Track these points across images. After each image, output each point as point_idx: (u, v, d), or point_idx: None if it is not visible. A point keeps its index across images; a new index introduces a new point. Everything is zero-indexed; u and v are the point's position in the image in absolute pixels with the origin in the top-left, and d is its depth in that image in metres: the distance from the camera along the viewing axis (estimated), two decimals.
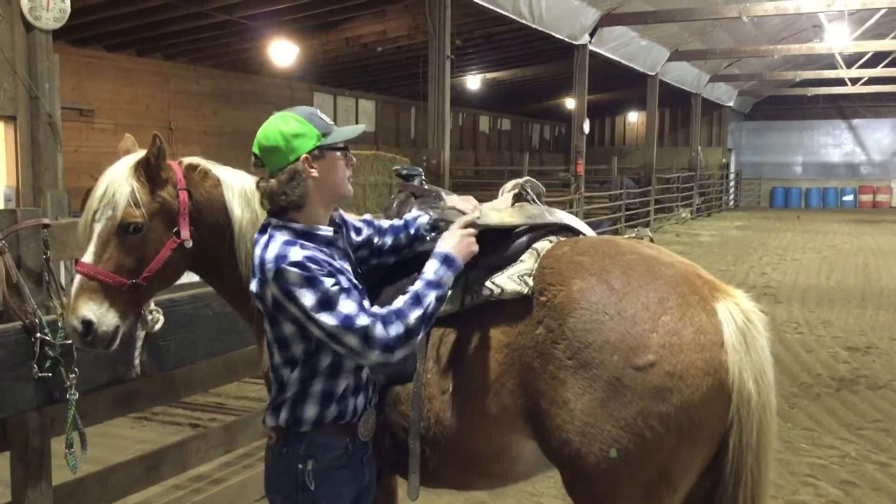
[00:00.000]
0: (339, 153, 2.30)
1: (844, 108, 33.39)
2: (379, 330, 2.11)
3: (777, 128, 34.68)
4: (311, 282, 2.11)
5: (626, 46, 19.04)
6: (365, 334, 2.10)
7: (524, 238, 2.48)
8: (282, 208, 2.27)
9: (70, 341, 3.21)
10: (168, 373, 4.00)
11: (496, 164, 28.24)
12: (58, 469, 3.39)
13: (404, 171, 2.91)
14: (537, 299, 2.32)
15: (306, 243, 2.20)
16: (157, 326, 3.55)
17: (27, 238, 3.28)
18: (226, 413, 6.20)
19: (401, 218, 2.70)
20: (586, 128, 17.38)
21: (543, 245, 2.47)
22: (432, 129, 11.50)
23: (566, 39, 15.81)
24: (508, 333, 2.34)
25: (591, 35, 16.60)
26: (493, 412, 2.33)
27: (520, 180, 2.80)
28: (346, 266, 2.27)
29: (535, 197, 2.70)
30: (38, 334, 3.11)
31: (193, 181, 2.71)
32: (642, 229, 24.91)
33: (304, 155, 2.23)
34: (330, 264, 2.17)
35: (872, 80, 26.93)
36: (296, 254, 2.15)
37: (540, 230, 2.50)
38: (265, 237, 2.25)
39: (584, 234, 2.62)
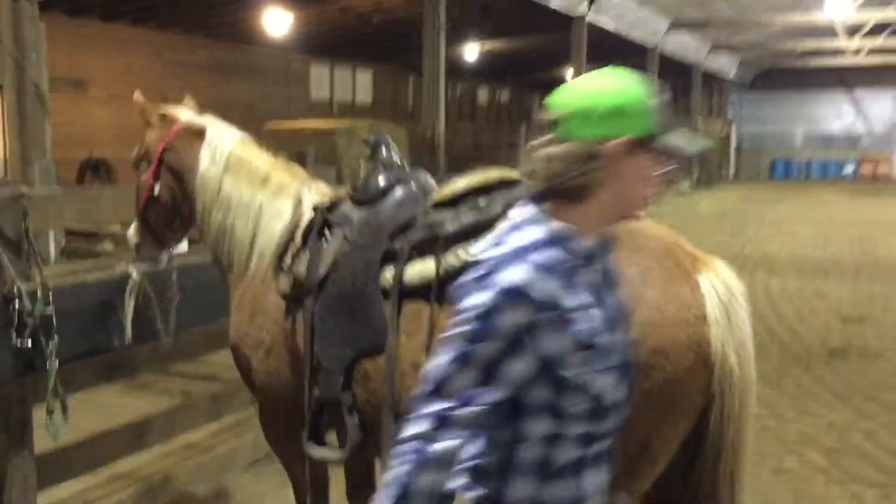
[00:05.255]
0: (659, 161, 1.66)
1: (846, 79, 33.16)
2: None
3: (778, 99, 34.48)
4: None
5: (624, 16, 18.89)
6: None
7: (497, 205, 2.44)
8: (548, 191, 1.64)
9: (49, 311, 3.24)
10: (154, 342, 4.01)
11: (495, 136, 28.10)
12: (42, 440, 3.41)
13: (371, 141, 2.87)
14: None
15: (555, 257, 1.59)
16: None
17: (5, 208, 3.26)
18: (217, 383, 6.22)
19: (368, 189, 2.69)
20: None
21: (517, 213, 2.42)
22: (427, 101, 11.44)
23: (562, 11, 15.67)
24: None
25: (590, 4, 16.45)
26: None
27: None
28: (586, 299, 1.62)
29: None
30: (17, 303, 3.13)
31: (181, 137, 3.12)
32: (682, 183, 24.92)
33: (626, 138, 1.59)
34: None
35: (874, 51, 26.72)
36: (521, 273, 1.54)
37: (512, 197, 2.46)
38: (514, 222, 1.67)
39: None
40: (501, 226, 1.69)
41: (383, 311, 2.43)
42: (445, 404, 1.54)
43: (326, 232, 2.68)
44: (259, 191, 3.02)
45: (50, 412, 3.24)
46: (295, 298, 2.64)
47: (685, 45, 24.74)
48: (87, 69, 14.77)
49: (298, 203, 2.87)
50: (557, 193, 1.63)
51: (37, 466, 3.42)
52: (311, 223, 2.74)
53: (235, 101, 17.27)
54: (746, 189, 28.20)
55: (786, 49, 28.06)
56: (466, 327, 1.54)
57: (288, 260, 2.73)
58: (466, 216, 2.43)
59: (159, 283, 3.83)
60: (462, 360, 1.54)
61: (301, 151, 9.21)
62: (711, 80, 30.60)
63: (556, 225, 1.62)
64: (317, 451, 2.61)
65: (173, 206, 3.15)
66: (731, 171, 33.83)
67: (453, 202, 2.50)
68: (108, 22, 14.98)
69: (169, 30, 16.17)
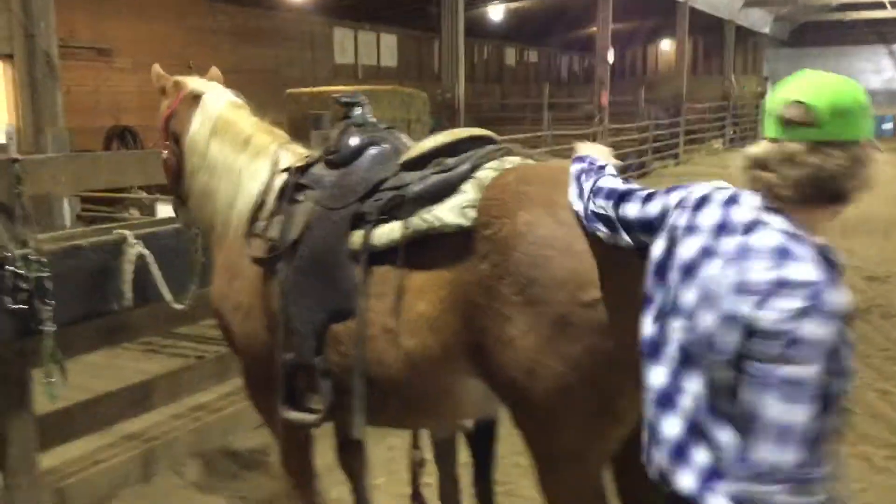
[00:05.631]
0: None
1: (885, 33, 32.22)
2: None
3: (815, 54, 33.62)
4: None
5: None
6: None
7: (465, 166, 2.39)
8: (809, 197, 1.62)
9: (45, 274, 3.30)
10: (154, 305, 4.05)
11: (524, 98, 27.83)
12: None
13: (344, 100, 2.83)
14: (481, 233, 2.22)
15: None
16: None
17: None
18: (224, 345, 6.29)
19: (340, 150, 2.66)
20: (610, 58, 17.02)
21: (486, 174, 2.36)
22: (447, 62, 11.32)
23: None
24: (451, 269, 2.26)
25: None
26: (436, 351, 2.28)
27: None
28: None
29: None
30: (10, 267, 3.18)
31: (182, 103, 3.16)
32: (714, 141, 24.57)
33: (868, 139, 1.63)
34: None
35: None
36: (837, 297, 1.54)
37: (481, 157, 2.41)
38: (765, 234, 1.62)
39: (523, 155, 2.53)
40: (767, 244, 1.60)
41: (353, 274, 2.41)
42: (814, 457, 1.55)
43: (299, 194, 2.66)
44: (241, 153, 3.02)
45: (47, 375, 3.31)
46: (268, 262, 2.64)
47: (717, 0, 24.18)
48: (112, 37, 14.83)
49: (275, 165, 2.86)
50: (817, 198, 1.62)
51: (39, 427, 3.49)
52: (283, 185, 2.72)
53: (259, 66, 17.31)
54: None
55: (822, 2, 27.31)
56: (812, 367, 1.52)
57: (261, 223, 2.72)
58: (433, 177, 2.39)
59: (157, 246, 3.86)
60: (813, 401, 1.54)
61: (318, 115, 9.19)
62: (746, 36, 29.91)
63: (817, 239, 1.65)
64: (291, 415, 2.62)
65: (179, 172, 3.19)
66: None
67: (422, 162, 2.46)
68: None
69: None
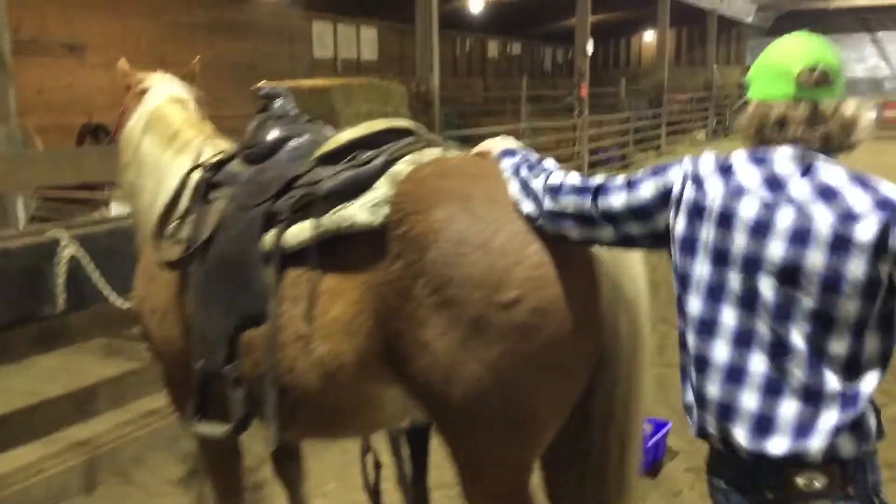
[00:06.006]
0: None
1: (868, 21, 32.22)
2: None
3: None
4: None
5: None
6: None
7: (379, 160, 2.26)
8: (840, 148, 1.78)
9: None
10: (96, 307, 3.92)
11: (506, 90, 27.66)
12: None
13: (264, 92, 2.71)
14: (394, 231, 2.10)
15: None
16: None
17: None
18: None
19: (257, 144, 2.53)
20: (589, 49, 16.89)
21: (401, 168, 2.24)
22: (421, 54, 11.16)
23: None
24: (365, 270, 2.14)
25: None
26: (350, 357, 2.16)
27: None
28: None
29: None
30: None
31: (133, 99, 3.16)
32: (697, 132, 24.47)
33: None
34: None
35: None
36: None
37: (397, 150, 2.29)
38: (830, 172, 1.71)
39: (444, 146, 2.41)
40: (842, 178, 1.68)
41: (265, 277, 2.29)
42: None
43: (212, 192, 2.53)
44: (167, 149, 2.91)
45: None
46: (179, 264, 2.51)
47: None
48: (85, 34, 14.60)
49: (196, 161, 2.73)
50: (837, 150, 1.78)
51: None
52: (197, 183, 2.59)
53: (236, 61, 17.10)
54: None
55: None
56: None
57: (173, 223, 2.59)
58: (345, 172, 2.27)
59: (96, 246, 3.74)
60: None
61: None
62: (729, 26, 29.82)
63: None
64: (201, 427, 2.49)
65: None
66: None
67: (337, 156, 2.34)
68: None
69: None
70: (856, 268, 1.61)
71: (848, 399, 1.63)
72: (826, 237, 1.63)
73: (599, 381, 2.10)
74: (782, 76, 1.78)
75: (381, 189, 2.19)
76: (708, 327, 1.76)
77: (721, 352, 1.74)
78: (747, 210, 1.71)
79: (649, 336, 2.19)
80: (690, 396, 1.82)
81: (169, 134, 2.95)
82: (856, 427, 1.65)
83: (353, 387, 2.19)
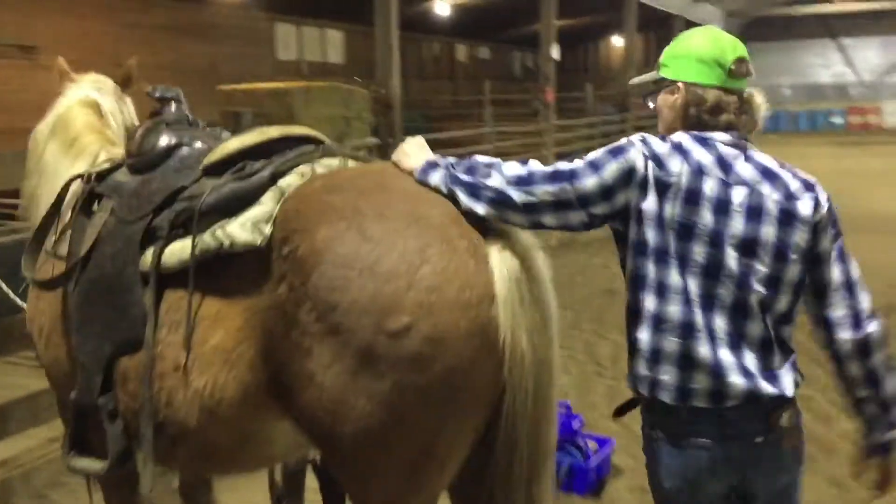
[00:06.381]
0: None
1: (833, 27, 32.50)
2: None
3: (765, 50, 33.70)
4: None
5: None
6: None
7: (266, 172, 2.06)
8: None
9: None
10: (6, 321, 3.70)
11: (476, 94, 27.51)
12: None
13: (157, 94, 2.51)
14: (278, 251, 1.92)
15: None
16: None
17: None
18: None
19: (143, 152, 2.34)
20: (555, 54, 16.80)
21: (291, 181, 2.05)
22: (381, 57, 10.97)
23: None
24: (247, 293, 1.95)
25: None
26: (232, 390, 1.97)
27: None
28: None
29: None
30: None
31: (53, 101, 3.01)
32: None
33: None
34: None
35: None
36: None
37: (288, 161, 2.09)
38: (762, 157, 2.04)
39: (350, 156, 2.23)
40: (773, 162, 2.01)
41: (142, 299, 2.09)
42: None
43: (95, 204, 2.33)
44: (65, 156, 2.71)
45: None
46: (54, 283, 2.30)
47: None
48: (38, 34, 14.23)
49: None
50: (751, 131, 2.07)
51: None
52: (79, 194, 2.39)
53: (197, 63, 16.80)
54: None
55: None
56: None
57: (51, 237, 2.38)
58: (228, 185, 2.07)
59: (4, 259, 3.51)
60: None
61: (237, 112, 8.82)
62: None
63: None
64: (76, 462, 2.28)
65: None
66: None
67: (224, 167, 2.15)
68: None
69: None
70: (799, 238, 1.95)
71: (788, 346, 1.99)
72: (776, 213, 1.94)
73: (503, 412, 1.92)
74: (714, 64, 2.01)
75: (266, 205, 2.00)
76: (665, 290, 1.93)
77: (689, 314, 1.94)
78: (710, 188, 1.93)
79: (557, 360, 2.00)
80: (643, 368, 1.99)
81: (68, 140, 2.75)
82: (795, 367, 1.99)
83: (236, 422, 2.00)
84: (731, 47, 2.02)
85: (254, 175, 2.05)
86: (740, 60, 2.00)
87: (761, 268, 1.92)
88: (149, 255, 2.09)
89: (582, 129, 19.33)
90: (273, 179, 2.05)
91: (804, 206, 1.95)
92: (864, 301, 2.00)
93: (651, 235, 1.93)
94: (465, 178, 1.96)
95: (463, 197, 1.94)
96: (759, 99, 2.04)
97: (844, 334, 1.97)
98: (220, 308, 1.98)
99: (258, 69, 18.38)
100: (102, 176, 2.38)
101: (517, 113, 19.43)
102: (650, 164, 1.94)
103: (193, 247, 2.00)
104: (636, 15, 22.07)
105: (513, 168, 1.99)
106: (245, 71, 17.15)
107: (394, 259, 1.81)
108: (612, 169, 1.94)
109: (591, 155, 2.02)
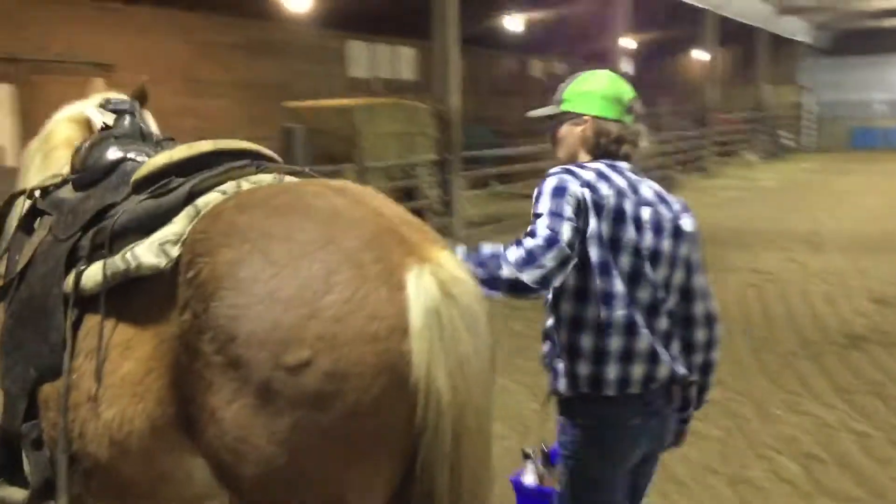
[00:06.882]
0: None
1: None
2: None
3: (856, 64, 32.40)
4: None
5: None
6: None
7: (184, 189, 1.93)
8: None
9: None
10: None
11: None
12: None
13: (110, 106, 2.40)
14: (184, 275, 1.77)
15: None
16: None
17: None
18: None
19: (87, 167, 2.23)
20: (626, 68, 16.43)
21: (210, 199, 1.91)
22: (440, 73, 10.87)
23: None
24: (157, 320, 1.82)
25: None
26: (141, 423, 1.83)
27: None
28: None
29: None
30: None
31: None
32: (747, 153, 23.73)
33: None
34: None
35: None
36: None
37: (212, 178, 1.95)
38: (651, 182, 2.46)
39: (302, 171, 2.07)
40: (659, 186, 2.44)
41: (62, 323, 1.97)
42: None
43: (36, 221, 2.23)
44: (39, 171, 2.65)
45: None
46: None
47: (748, 7, 23.38)
48: (113, 53, 14.64)
49: None
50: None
51: None
52: (22, 211, 2.31)
53: (269, 80, 17.07)
54: (821, 159, 26.64)
55: (860, 9, 26.29)
56: None
57: None
58: (143, 204, 1.94)
59: None
60: None
61: (289, 129, 8.82)
62: (780, 45, 28.92)
63: None
64: (1, 490, 2.16)
65: None
66: (808, 140, 32.05)
67: (148, 183, 2.02)
68: (131, 4, 14.86)
69: (197, 10, 15.95)
70: (684, 250, 2.39)
71: (676, 338, 2.40)
72: (670, 229, 2.36)
73: (418, 457, 1.71)
74: (615, 102, 2.41)
75: (177, 224, 1.86)
76: (611, 298, 2.27)
77: (661, 323, 2.34)
78: (629, 208, 2.29)
79: (487, 402, 1.77)
80: (585, 368, 2.30)
81: (45, 155, 2.70)
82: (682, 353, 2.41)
83: (148, 458, 1.85)
84: (627, 88, 2.44)
85: (171, 192, 1.91)
86: (634, 100, 2.44)
87: (662, 273, 2.34)
88: (71, 277, 1.98)
89: (655, 145, 18.81)
90: (191, 197, 1.90)
91: (686, 224, 2.40)
92: (715, 304, 2.46)
93: (594, 252, 2.25)
94: (480, 273, 2.13)
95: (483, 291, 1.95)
96: (645, 135, 2.48)
97: (700, 331, 2.41)
98: (132, 335, 1.84)
99: (330, 86, 18.57)
100: (48, 191, 2.29)
101: None
102: (586, 190, 2.25)
103: (105, 269, 1.87)
104: (717, 29, 21.47)
105: (514, 252, 2.19)
106: (317, 88, 17.34)
107: (296, 286, 1.63)
108: (569, 208, 2.22)
109: (544, 206, 2.23)
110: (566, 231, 2.18)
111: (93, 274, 1.93)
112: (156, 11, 15.31)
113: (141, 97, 2.99)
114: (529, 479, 3.46)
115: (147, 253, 1.83)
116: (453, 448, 1.67)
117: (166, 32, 15.52)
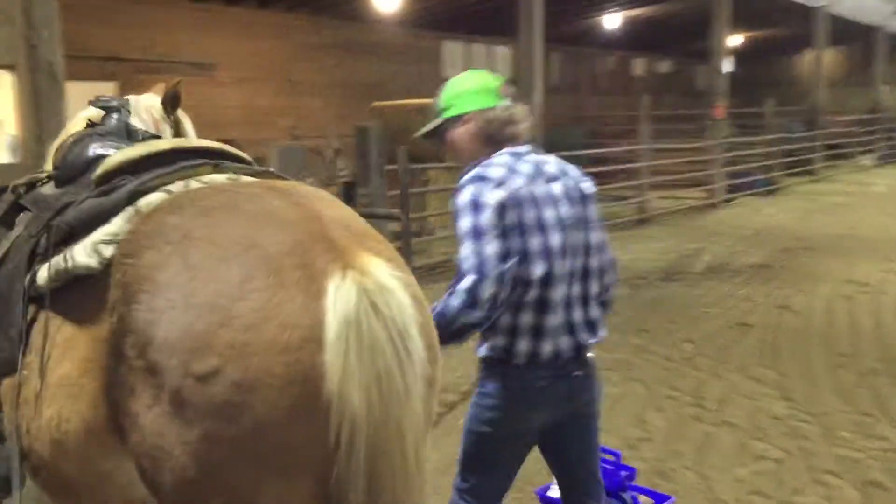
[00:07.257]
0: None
1: None
2: None
3: None
4: None
5: None
6: None
7: (127, 188, 1.90)
8: None
9: None
10: None
11: (654, 109, 26.48)
12: None
13: (100, 104, 2.41)
14: (114, 276, 1.76)
15: None
16: None
17: None
18: None
19: (66, 163, 2.25)
20: (725, 68, 15.84)
21: (153, 199, 1.89)
22: (523, 71, 10.72)
23: None
24: (92, 322, 1.81)
25: None
26: (76, 424, 1.83)
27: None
28: None
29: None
30: None
31: None
32: (862, 157, 22.61)
33: None
34: None
35: None
36: None
37: (158, 177, 1.92)
38: (549, 157, 2.60)
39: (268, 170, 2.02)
40: (554, 159, 2.60)
41: (20, 320, 1.99)
42: None
43: (17, 216, 2.28)
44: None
45: None
46: None
47: (863, 5, 22.18)
48: (214, 53, 15.15)
49: None
50: None
51: None
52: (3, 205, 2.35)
53: (364, 79, 17.31)
54: None
55: None
56: None
57: None
58: (87, 202, 1.94)
59: None
60: None
61: (364, 128, 8.88)
62: None
63: None
64: None
65: None
66: None
67: (103, 182, 2.01)
68: (233, 5, 15.29)
69: (296, 11, 16.30)
70: (591, 211, 2.57)
71: (596, 301, 2.59)
72: (578, 196, 2.53)
73: (332, 476, 1.61)
74: (487, 91, 2.55)
75: (114, 225, 1.85)
76: (547, 278, 2.40)
77: (559, 292, 2.45)
78: (540, 189, 2.45)
79: (416, 422, 1.66)
80: (501, 341, 2.47)
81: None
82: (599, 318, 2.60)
83: (86, 459, 1.85)
84: (492, 76, 2.60)
85: (114, 192, 1.90)
86: (503, 84, 2.58)
87: (584, 238, 2.50)
88: (30, 274, 2.00)
89: (757, 147, 18.06)
90: (133, 197, 1.89)
91: (587, 187, 2.57)
92: (610, 255, 2.63)
93: (515, 241, 2.35)
94: (442, 333, 2.07)
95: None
96: (523, 110, 2.56)
97: (594, 283, 2.55)
98: (72, 335, 1.85)
99: (424, 86, 18.63)
100: (31, 187, 2.34)
101: (686, 129, 18.43)
102: (500, 192, 2.36)
103: (49, 268, 1.88)
104: (828, 28, 20.47)
105: (453, 303, 2.32)
106: (411, 87, 17.47)
107: (210, 291, 1.58)
108: (488, 218, 2.34)
109: (465, 225, 2.35)
110: (491, 251, 2.31)
111: (43, 272, 1.94)
112: (255, 13, 15.74)
113: (173, 100, 2.96)
114: (556, 492, 3.35)
115: (81, 253, 1.84)
116: (368, 466, 1.58)
117: (265, 34, 15.93)
